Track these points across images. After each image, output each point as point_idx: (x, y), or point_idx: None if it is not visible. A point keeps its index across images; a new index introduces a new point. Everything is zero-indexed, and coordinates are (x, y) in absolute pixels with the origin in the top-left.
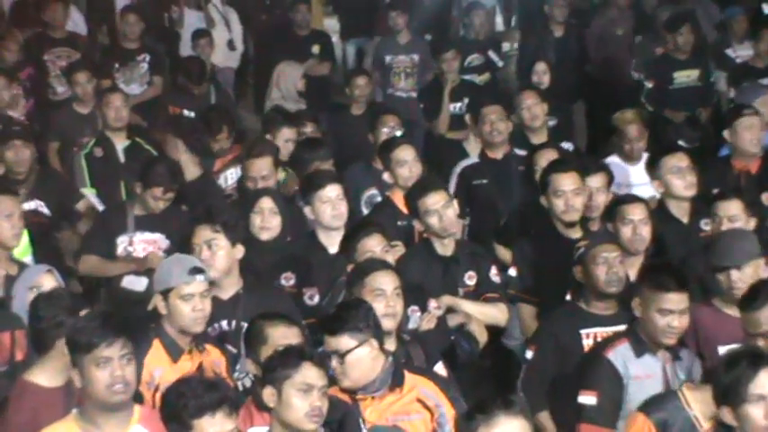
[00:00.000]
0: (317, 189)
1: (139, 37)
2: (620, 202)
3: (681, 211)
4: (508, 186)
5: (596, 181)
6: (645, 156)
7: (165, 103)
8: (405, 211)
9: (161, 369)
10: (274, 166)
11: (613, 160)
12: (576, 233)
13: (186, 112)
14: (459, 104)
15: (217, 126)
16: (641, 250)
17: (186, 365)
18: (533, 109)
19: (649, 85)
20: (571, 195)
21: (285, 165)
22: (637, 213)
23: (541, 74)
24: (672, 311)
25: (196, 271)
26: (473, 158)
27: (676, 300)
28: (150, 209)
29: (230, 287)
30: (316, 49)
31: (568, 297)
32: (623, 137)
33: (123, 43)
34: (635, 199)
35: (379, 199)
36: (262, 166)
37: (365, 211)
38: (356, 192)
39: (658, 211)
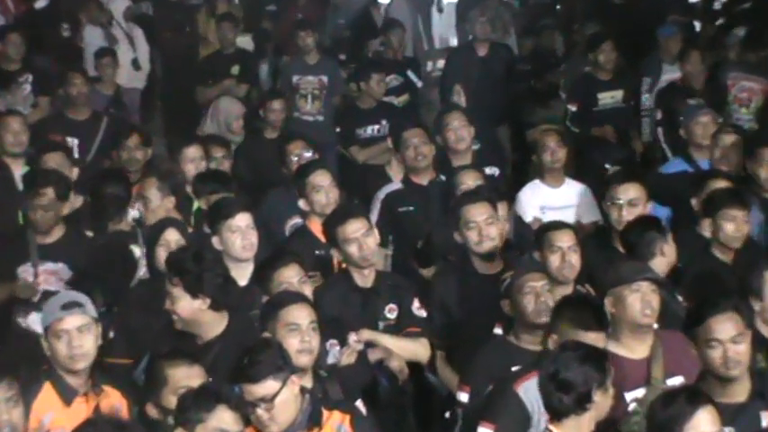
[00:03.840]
0: (226, 218)
1: (23, 57)
2: (546, 229)
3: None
4: (434, 214)
5: (501, 209)
6: (568, 181)
7: (45, 128)
8: (322, 239)
9: (52, 414)
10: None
11: (536, 183)
12: (493, 268)
13: (70, 140)
14: (376, 127)
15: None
16: (571, 279)
17: (81, 409)
18: (459, 131)
19: (573, 108)
20: (484, 225)
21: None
22: (565, 240)
23: (458, 95)
24: None
25: (71, 306)
26: (396, 184)
27: (593, 338)
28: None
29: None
30: (235, 69)
31: (498, 331)
32: (541, 151)
33: (3, 65)
34: (562, 225)
35: None
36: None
37: None
38: (279, 220)
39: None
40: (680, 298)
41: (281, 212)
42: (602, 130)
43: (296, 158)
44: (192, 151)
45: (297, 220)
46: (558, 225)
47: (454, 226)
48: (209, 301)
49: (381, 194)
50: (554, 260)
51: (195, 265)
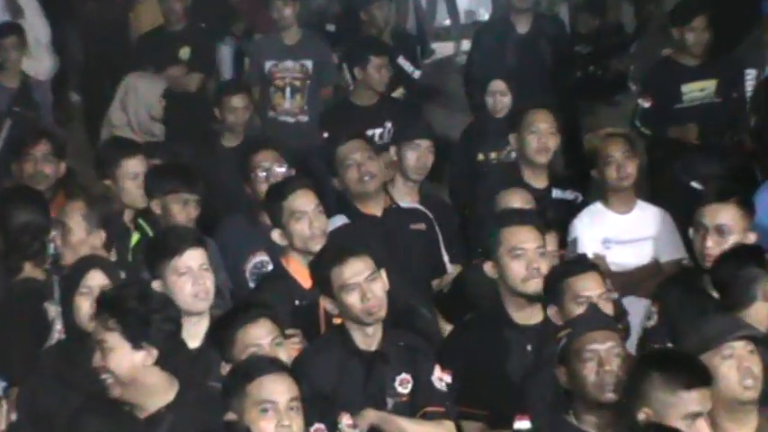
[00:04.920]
0: (171, 255)
1: None
2: (563, 274)
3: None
4: (398, 255)
5: (549, 242)
6: (641, 204)
7: None
8: (304, 284)
9: None
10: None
11: (597, 208)
12: (532, 317)
13: None
14: (378, 131)
15: None
16: None
17: None
18: (545, 138)
19: (645, 104)
20: (534, 256)
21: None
22: (592, 288)
23: (499, 97)
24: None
25: None
26: (339, 218)
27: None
28: None
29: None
30: (185, 53)
31: (523, 425)
32: (604, 164)
33: None
34: (587, 267)
35: (270, 267)
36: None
37: (252, 285)
38: (237, 257)
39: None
40: None
41: (239, 247)
42: (682, 131)
43: (264, 174)
44: (134, 165)
45: (261, 258)
46: (581, 267)
47: (489, 253)
48: (155, 353)
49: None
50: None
51: (140, 303)
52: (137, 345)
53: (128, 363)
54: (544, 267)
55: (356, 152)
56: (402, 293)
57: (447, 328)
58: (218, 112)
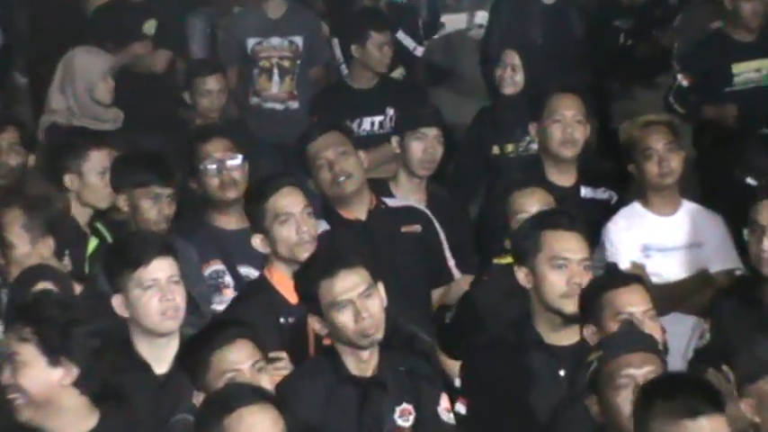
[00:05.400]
0: (135, 266)
1: None
2: (602, 287)
3: None
4: (391, 263)
5: None
6: (687, 205)
7: None
8: (291, 299)
9: None
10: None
11: (634, 209)
12: (567, 337)
13: None
14: (378, 119)
15: None
16: None
17: None
18: (572, 128)
19: (684, 81)
20: (578, 269)
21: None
22: (636, 304)
23: (509, 71)
24: None
25: None
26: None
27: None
28: None
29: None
30: (149, 26)
31: None
32: (643, 157)
33: None
34: (629, 280)
35: (227, 278)
36: None
37: (217, 303)
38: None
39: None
40: None
41: (189, 256)
42: (718, 111)
43: (214, 167)
44: (103, 158)
45: (216, 267)
46: (623, 279)
47: (519, 260)
48: (75, 373)
49: None
50: None
51: (60, 312)
52: (54, 360)
53: (43, 381)
54: (586, 280)
55: (327, 149)
56: (392, 310)
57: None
58: (188, 96)
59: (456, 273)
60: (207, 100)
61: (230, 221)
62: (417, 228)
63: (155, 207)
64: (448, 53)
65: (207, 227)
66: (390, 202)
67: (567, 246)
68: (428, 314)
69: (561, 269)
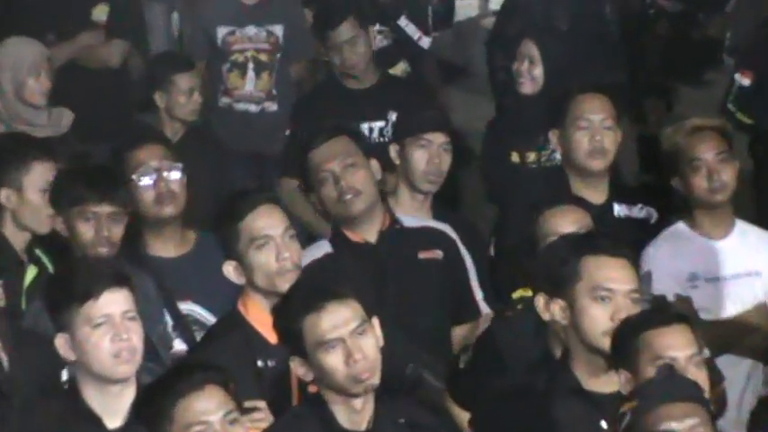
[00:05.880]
0: (82, 300)
1: None
2: (641, 326)
3: None
4: (400, 295)
5: None
6: (741, 225)
7: None
8: (271, 337)
9: None
10: None
11: (680, 231)
12: (610, 383)
13: None
14: (378, 124)
15: None
16: None
17: None
18: (601, 134)
19: (745, 80)
20: (624, 302)
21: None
22: (679, 347)
23: (527, 65)
24: None
25: None
26: (321, 246)
27: None
28: None
29: None
30: (100, 12)
31: None
32: (691, 169)
33: None
34: (672, 319)
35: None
36: None
37: (178, 342)
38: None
39: None
40: None
41: (147, 290)
42: None
43: (150, 181)
44: (46, 171)
45: (189, 305)
46: (664, 318)
47: (557, 288)
48: None
49: None
50: None
51: None
52: None
53: None
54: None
55: (333, 159)
56: (401, 352)
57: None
58: (158, 96)
59: (484, 307)
60: (183, 100)
61: (167, 247)
62: (438, 254)
63: (91, 229)
64: (457, 45)
65: (137, 254)
66: (406, 221)
67: (612, 274)
68: (446, 356)
69: (604, 302)
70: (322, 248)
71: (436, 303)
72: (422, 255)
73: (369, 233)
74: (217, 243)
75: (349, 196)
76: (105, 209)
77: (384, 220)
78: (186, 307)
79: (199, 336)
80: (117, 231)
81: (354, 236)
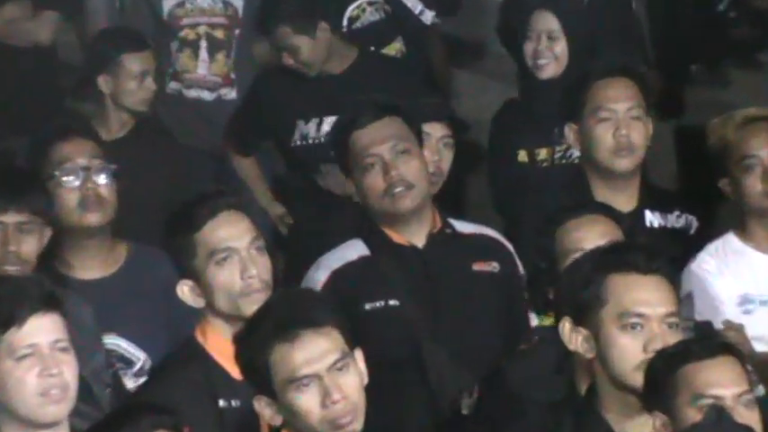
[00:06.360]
0: (2, 329)
1: None
2: (682, 359)
3: None
4: (450, 309)
5: None
6: None
7: None
8: (235, 374)
9: None
10: None
11: (729, 243)
12: (647, 426)
13: None
14: None
15: None
16: None
17: None
18: (630, 127)
19: None
20: (660, 329)
21: None
22: (722, 385)
23: (545, 40)
24: None
25: None
26: (356, 246)
27: None
28: None
29: None
30: None
31: None
32: (743, 172)
33: None
34: (716, 349)
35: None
36: None
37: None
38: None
39: None
40: None
41: (81, 317)
42: None
43: (75, 181)
44: None
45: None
46: (708, 349)
47: (582, 315)
48: None
49: (325, 269)
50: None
51: None
52: None
53: None
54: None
55: (383, 143)
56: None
57: None
58: (102, 81)
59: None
60: (134, 85)
61: (88, 266)
62: (494, 266)
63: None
64: (465, 21)
65: (53, 275)
66: (459, 225)
67: (644, 296)
68: None
69: (635, 330)
70: (356, 249)
71: (489, 323)
72: (476, 266)
73: (416, 236)
74: (154, 259)
75: (399, 189)
76: (12, 218)
77: (434, 221)
78: (111, 342)
79: (130, 377)
80: (28, 245)
81: (398, 237)
